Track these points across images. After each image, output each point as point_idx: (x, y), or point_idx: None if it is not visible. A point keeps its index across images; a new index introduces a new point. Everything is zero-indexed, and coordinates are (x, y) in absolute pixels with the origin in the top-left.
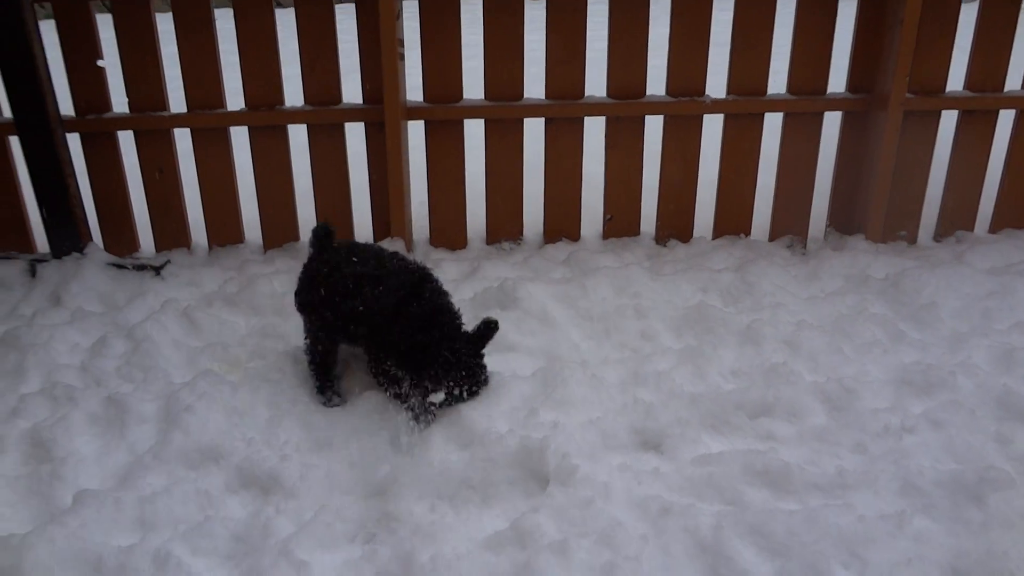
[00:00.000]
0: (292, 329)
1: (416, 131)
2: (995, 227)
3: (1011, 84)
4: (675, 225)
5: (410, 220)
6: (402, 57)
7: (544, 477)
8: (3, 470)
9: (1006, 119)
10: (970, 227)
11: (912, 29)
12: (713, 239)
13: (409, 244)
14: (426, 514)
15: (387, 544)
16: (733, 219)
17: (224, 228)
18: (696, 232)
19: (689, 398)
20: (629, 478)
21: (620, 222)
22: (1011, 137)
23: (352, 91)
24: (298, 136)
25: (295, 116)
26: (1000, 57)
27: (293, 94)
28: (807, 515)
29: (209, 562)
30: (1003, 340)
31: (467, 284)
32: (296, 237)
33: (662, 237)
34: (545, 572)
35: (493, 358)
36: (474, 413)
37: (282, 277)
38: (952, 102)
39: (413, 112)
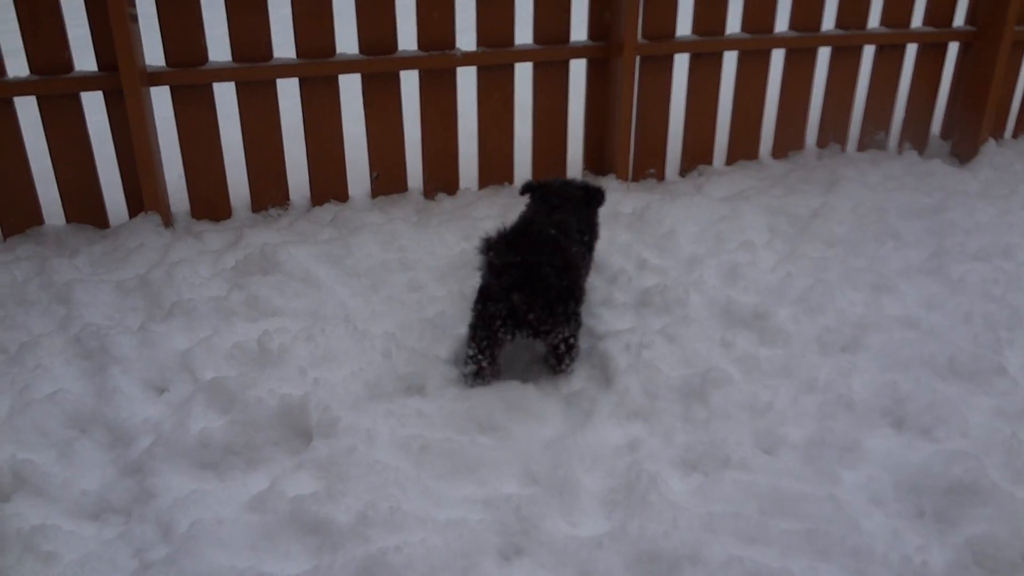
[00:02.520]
0: None
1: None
2: (730, 160)
3: (732, 28)
4: (441, 179)
5: (165, 192)
6: (134, 19)
7: (307, 433)
8: None
9: (731, 60)
10: (709, 161)
11: None
12: (479, 190)
13: (167, 218)
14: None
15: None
16: (496, 169)
17: None
18: (463, 184)
19: (453, 339)
20: (393, 422)
21: (387, 179)
22: (736, 76)
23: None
24: (26, 111)
25: (17, 88)
26: (721, 3)
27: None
28: None
29: None
30: (730, 258)
31: (230, 253)
32: (41, 221)
33: (430, 191)
34: (303, 521)
35: (255, 324)
36: (230, 381)
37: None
38: (682, 46)
39: (154, 78)
